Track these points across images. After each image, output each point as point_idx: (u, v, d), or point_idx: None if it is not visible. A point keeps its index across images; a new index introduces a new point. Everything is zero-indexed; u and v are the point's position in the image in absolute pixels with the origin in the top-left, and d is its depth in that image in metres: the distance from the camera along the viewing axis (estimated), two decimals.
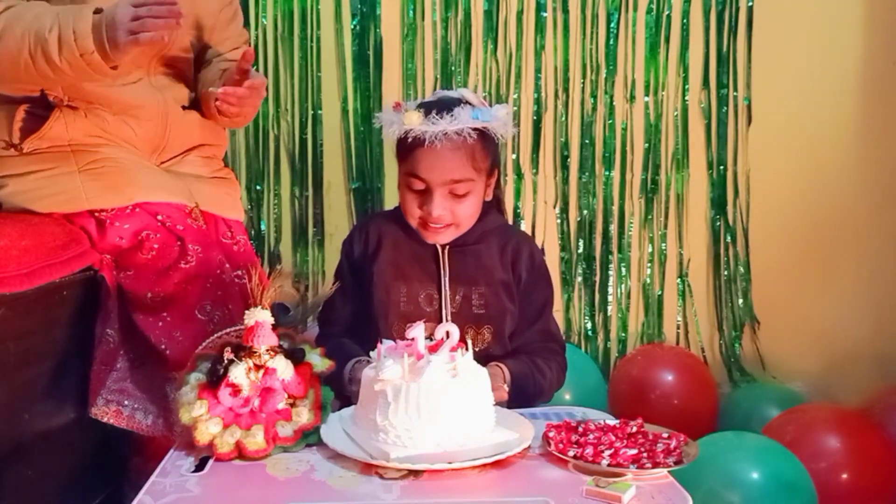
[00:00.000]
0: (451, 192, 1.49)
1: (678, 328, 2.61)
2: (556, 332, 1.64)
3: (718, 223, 2.59)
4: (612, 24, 2.54)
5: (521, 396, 1.48)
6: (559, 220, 2.59)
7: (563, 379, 1.61)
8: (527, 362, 1.54)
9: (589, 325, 2.61)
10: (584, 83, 2.56)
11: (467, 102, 1.50)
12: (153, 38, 1.44)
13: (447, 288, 1.54)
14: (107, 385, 1.61)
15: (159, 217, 1.59)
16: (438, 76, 2.53)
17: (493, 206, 1.61)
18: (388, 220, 1.61)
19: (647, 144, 2.57)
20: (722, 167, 2.57)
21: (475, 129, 1.47)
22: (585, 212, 2.59)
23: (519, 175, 2.57)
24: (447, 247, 1.55)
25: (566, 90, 2.56)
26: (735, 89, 2.56)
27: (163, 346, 1.56)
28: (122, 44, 1.43)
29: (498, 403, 1.30)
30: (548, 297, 1.62)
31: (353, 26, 2.51)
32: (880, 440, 2.06)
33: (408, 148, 1.49)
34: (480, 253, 1.56)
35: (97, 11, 1.46)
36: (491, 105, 1.53)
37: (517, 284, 1.57)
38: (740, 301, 2.58)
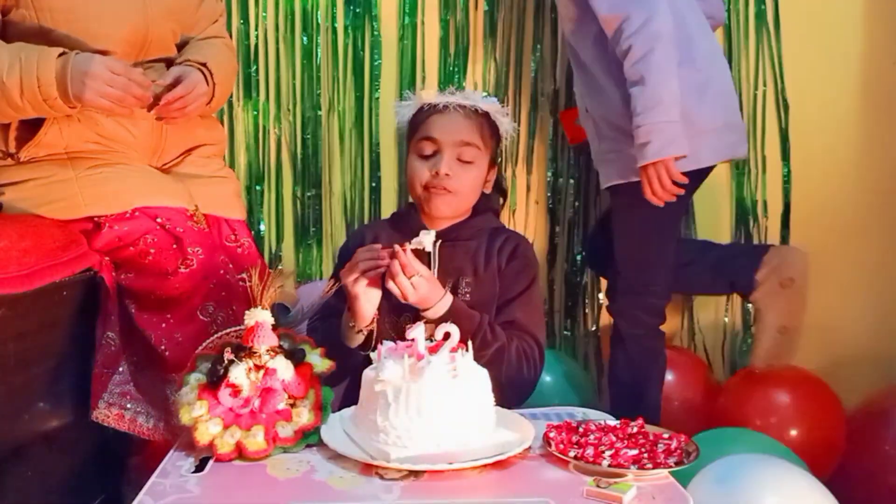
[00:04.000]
0: (458, 158, 1.58)
1: (679, 328, 2.60)
2: (529, 325, 1.58)
3: None
4: None
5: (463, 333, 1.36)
6: (551, 220, 2.58)
7: (526, 369, 1.54)
8: (484, 316, 1.51)
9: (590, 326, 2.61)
10: None
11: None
12: (119, 111, 1.53)
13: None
14: (109, 388, 1.61)
15: (159, 220, 1.59)
16: (438, 76, 2.52)
17: (489, 208, 1.68)
18: (384, 226, 1.70)
19: None
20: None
21: (484, 113, 1.61)
22: (585, 212, 2.58)
23: (513, 175, 2.56)
24: (438, 243, 1.57)
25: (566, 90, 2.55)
26: None
27: (162, 348, 1.56)
28: (86, 100, 1.48)
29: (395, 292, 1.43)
30: (525, 289, 1.60)
31: (352, 26, 2.51)
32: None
33: (422, 118, 1.61)
34: (471, 248, 1.61)
35: (62, 53, 1.48)
36: None
37: (499, 273, 1.60)
38: (742, 301, 2.57)
